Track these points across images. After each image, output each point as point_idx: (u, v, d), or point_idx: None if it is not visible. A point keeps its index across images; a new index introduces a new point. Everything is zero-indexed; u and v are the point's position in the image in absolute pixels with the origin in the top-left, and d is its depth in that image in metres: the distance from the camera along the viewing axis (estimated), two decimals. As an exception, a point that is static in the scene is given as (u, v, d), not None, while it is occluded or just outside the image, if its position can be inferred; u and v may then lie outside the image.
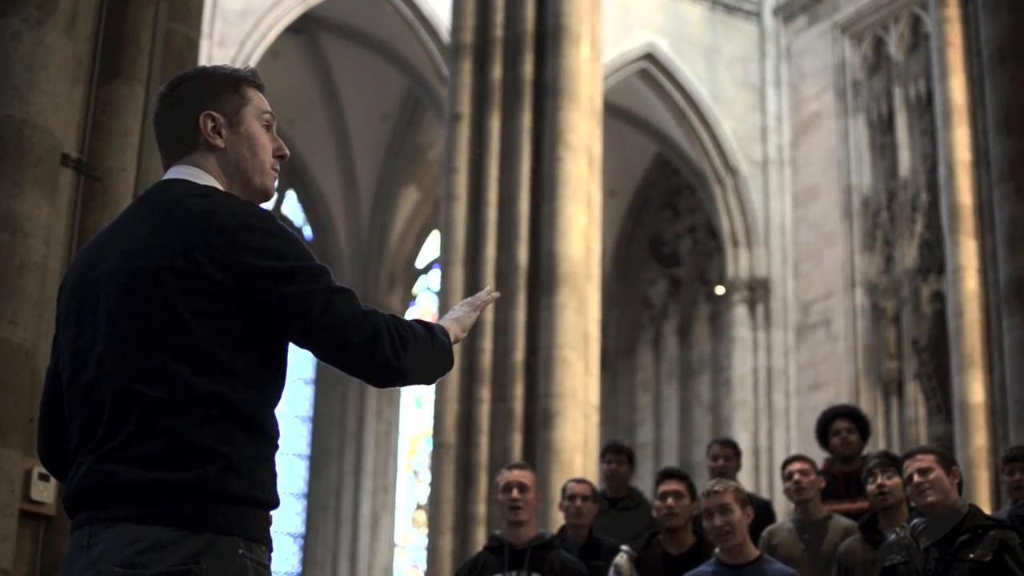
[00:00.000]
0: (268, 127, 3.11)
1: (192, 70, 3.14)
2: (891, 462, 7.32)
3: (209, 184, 2.98)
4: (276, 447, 2.89)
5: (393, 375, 2.88)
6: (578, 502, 8.11)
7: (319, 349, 2.86)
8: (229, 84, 3.08)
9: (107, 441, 2.78)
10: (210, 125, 3.03)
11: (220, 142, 3.03)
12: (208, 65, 3.16)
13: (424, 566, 16.68)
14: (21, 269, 6.48)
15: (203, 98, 3.05)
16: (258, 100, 3.11)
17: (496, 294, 3.36)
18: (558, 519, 8.87)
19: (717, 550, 6.81)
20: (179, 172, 3.02)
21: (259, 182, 3.07)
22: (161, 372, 2.76)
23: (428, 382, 3.01)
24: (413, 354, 2.88)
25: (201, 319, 2.78)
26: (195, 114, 3.03)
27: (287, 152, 3.15)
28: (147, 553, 2.66)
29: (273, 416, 2.89)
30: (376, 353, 2.83)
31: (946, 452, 6.47)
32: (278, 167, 3.13)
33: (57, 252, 6.98)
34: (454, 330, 3.12)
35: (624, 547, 7.57)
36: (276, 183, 3.15)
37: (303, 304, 2.80)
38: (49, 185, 6.73)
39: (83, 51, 7.29)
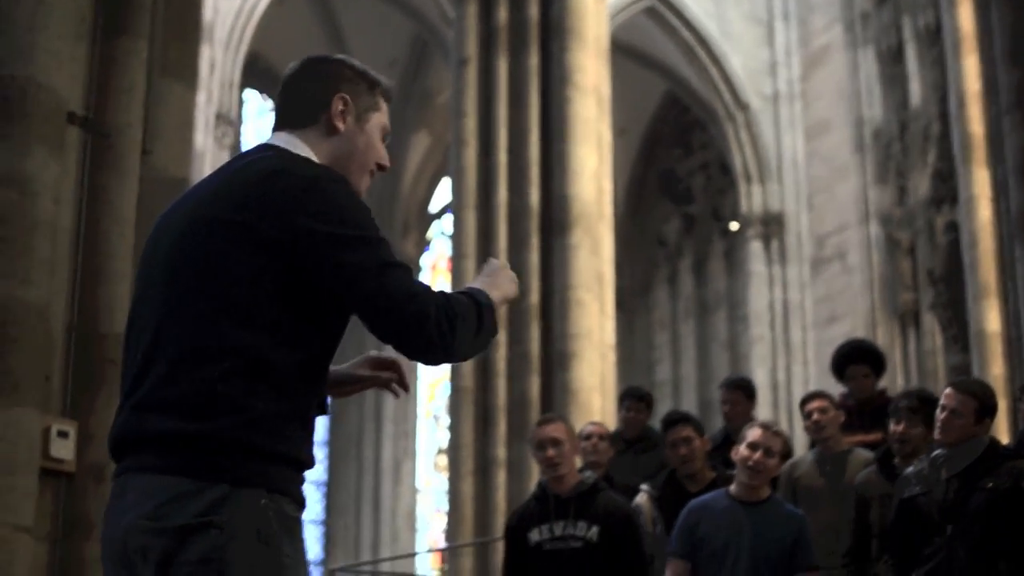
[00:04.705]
0: (383, 139, 3.16)
1: (338, 56, 3.19)
2: (921, 406, 7.15)
3: (299, 154, 3.00)
4: (309, 406, 2.88)
5: (437, 356, 2.86)
6: (594, 440, 8.23)
7: (366, 321, 2.84)
8: (369, 83, 3.14)
9: (141, 384, 2.83)
10: (340, 107, 3.07)
11: (342, 126, 3.07)
12: (352, 59, 3.19)
13: (446, 509, 16.77)
14: (32, 228, 6.51)
15: (342, 83, 3.10)
16: (385, 111, 3.17)
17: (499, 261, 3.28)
18: (577, 459, 8.91)
19: (732, 486, 6.82)
20: (277, 139, 3.07)
21: (356, 179, 3.08)
22: (200, 319, 2.79)
23: (470, 357, 3.01)
24: (460, 337, 2.85)
25: (248, 272, 2.79)
26: (331, 93, 3.08)
27: (388, 165, 3.18)
28: (169, 504, 2.70)
29: (313, 376, 2.88)
30: (421, 333, 2.80)
31: (990, 401, 6.24)
32: (374, 175, 3.15)
33: (67, 210, 6.99)
34: (495, 296, 3.07)
35: (644, 486, 7.61)
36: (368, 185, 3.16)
37: (355, 274, 2.79)
38: (56, 143, 6.74)
39: (85, 8, 7.26)
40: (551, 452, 6.82)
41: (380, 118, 3.15)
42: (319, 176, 2.88)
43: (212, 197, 2.90)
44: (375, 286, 2.79)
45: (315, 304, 2.85)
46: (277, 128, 3.11)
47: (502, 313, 12.87)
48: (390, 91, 3.20)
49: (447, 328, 2.82)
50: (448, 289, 3.16)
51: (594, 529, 6.68)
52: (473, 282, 3.09)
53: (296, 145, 3.02)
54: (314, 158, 3.01)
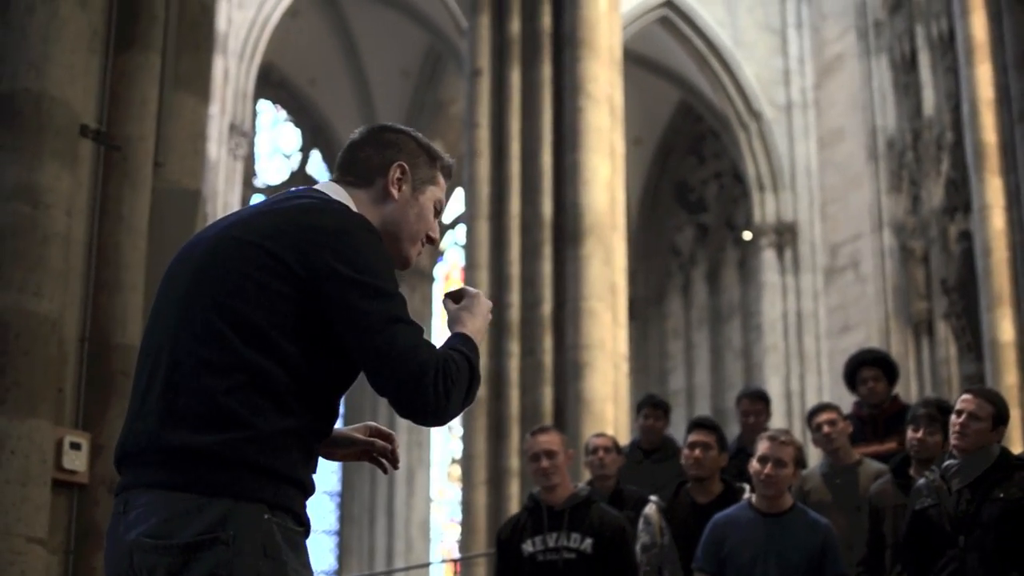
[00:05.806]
0: (436, 213, 3.20)
1: (406, 128, 3.24)
2: (939, 415, 7.18)
3: (340, 200, 3.04)
4: (313, 433, 2.89)
5: (428, 420, 2.88)
6: (600, 454, 8.22)
7: (365, 371, 2.87)
8: (430, 158, 3.19)
9: (150, 392, 2.85)
10: (397, 175, 3.11)
11: (396, 193, 3.11)
12: (418, 132, 3.24)
13: (460, 520, 16.78)
14: (44, 240, 6.53)
15: (402, 152, 3.14)
16: (442, 186, 3.22)
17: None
18: (585, 473, 8.91)
19: (748, 495, 6.83)
20: (325, 186, 3.12)
21: (406, 248, 3.13)
22: (212, 333, 2.82)
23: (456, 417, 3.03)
24: (452, 403, 2.87)
25: (266, 296, 2.82)
26: (390, 160, 3.12)
27: (438, 237, 3.23)
28: (173, 522, 2.71)
29: (318, 404, 2.90)
30: (418, 395, 2.82)
31: (1004, 410, 6.28)
32: (423, 246, 3.19)
33: (80, 223, 7.02)
34: (478, 334, 3.08)
35: (653, 497, 7.61)
36: (418, 256, 3.21)
37: (365, 322, 2.82)
38: (69, 156, 6.76)
39: (97, 21, 7.30)
40: (545, 463, 6.86)
41: (436, 192, 3.19)
42: (353, 222, 2.92)
43: (245, 223, 2.95)
44: (380, 339, 2.82)
45: (325, 341, 2.87)
46: (333, 178, 3.16)
47: (514, 321, 12.73)
48: (451, 168, 3.25)
49: (443, 392, 2.84)
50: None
51: (588, 541, 6.72)
52: (461, 320, 3.09)
53: (342, 195, 3.06)
54: (355, 209, 3.03)
